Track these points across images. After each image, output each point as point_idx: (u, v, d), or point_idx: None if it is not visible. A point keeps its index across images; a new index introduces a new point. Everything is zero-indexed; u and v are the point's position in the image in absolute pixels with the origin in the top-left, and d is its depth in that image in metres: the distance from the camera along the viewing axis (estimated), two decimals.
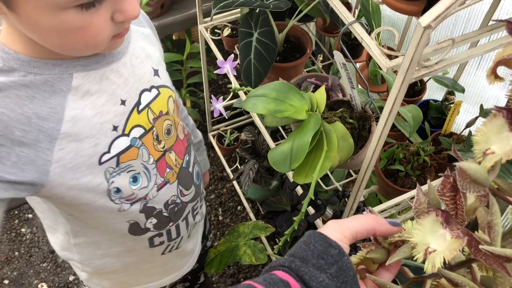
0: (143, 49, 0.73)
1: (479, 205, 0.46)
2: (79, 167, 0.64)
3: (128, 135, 0.68)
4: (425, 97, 1.25)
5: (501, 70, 0.49)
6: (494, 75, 0.48)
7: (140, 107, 0.70)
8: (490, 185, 0.44)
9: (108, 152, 0.66)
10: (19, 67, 0.58)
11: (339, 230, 0.52)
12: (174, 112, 0.79)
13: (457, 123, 1.33)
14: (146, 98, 0.71)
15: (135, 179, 0.72)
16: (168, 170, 0.78)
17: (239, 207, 1.87)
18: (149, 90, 0.72)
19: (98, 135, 0.64)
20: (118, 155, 0.68)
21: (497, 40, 0.63)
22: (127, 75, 0.68)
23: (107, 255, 0.84)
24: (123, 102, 0.67)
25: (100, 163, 0.66)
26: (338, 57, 0.76)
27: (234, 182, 1.86)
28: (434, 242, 0.47)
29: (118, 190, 0.70)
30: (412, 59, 0.55)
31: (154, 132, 0.73)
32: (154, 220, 0.80)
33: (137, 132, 0.70)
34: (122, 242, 0.82)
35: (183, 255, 0.97)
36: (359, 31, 0.64)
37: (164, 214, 0.81)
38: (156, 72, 0.74)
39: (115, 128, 0.66)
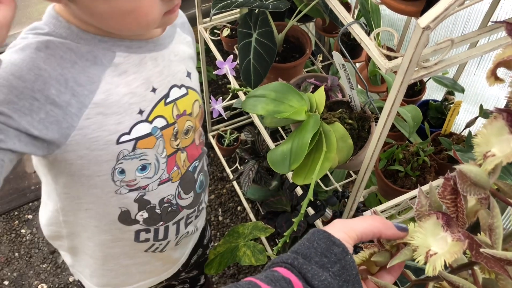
0: (183, 51, 0.77)
1: (480, 207, 0.46)
2: (98, 140, 0.66)
3: (151, 122, 0.71)
4: (425, 97, 1.25)
5: (501, 71, 0.49)
6: (494, 76, 0.48)
7: (168, 100, 0.73)
8: (491, 187, 0.44)
9: (128, 134, 0.69)
10: (68, 35, 0.62)
11: (344, 230, 0.52)
12: (197, 117, 0.81)
13: (457, 123, 1.33)
14: (175, 93, 0.74)
15: (143, 168, 0.74)
16: (175, 168, 0.79)
17: (239, 208, 1.87)
18: (179, 87, 0.75)
19: (124, 114, 0.67)
20: (136, 139, 0.70)
21: (497, 40, 0.62)
22: (162, 67, 0.71)
23: (91, 239, 0.84)
24: (153, 90, 0.70)
25: (118, 143, 0.68)
26: (337, 58, 0.76)
27: (234, 183, 1.86)
28: (435, 245, 0.46)
29: (122, 172, 0.72)
30: (411, 60, 0.55)
31: (175, 128, 0.75)
32: (145, 214, 0.80)
33: (160, 122, 0.72)
34: (109, 230, 0.81)
35: (166, 261, 0.96)
36: (358, 32, 0.64)
37: (157, 210, 0.81)
38: (189, 74, 0.78)
39: (140, 112, 0.69)
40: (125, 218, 0.79)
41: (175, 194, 0.82)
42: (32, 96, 0.59)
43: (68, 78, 0.61)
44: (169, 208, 0.83)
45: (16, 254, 1.74)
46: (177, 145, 0.78)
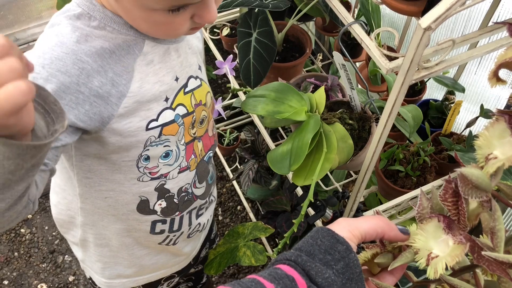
0: (195, 45, 0.81)
1: (482, 210, 0.45)
2: (130, 127, 0.69)
3: (174, 109, 0.74)
4: (425, 96, 1.24)
5: (503, 72, 0.49)
6: (496, 78, 0.47)
7: (186, 90, 0.76)
8: (492, 190, 0.43)
9: (156, 120, 0.71)
10: (102, 18, 0.64)
11: (348, 229, 0.52)
12: (210, 107, 0.85)
13: (458, 123, 1.32)
14: (192, 84, 0.77)
15: (166, 155, 0.76)
16: (193, 156, 0.82)
17: (238, 207, 1.87)
18: (195, 78, 0.78)
19: (153, 101, 0.70)
20: (162, 125, 0.72)
21: (498, 41, 0.62)
22: (182, 58, 0.75)
23: (106, 228, 0.86)
24: (176, 79, 0.74)
25: (147, 129, 0.71)
26: (337, 57, 0.75)
27: (234, 182, 1.85)
28: (437, 248, 0.46)
29: (147, 158, 0.74)
30: (412, 60, 0.55)
31: (194, 117, 0.78)
32: (164, 204, 0.82)
33: (181, 110, 0.75)
34: (126, 219, 0.83)
35: (178, 254, 0.97)
36: (358, 32, 0.63)
37: (175, 200, 0.83)
38: (200, 67, 0.82)
39: (166, 99, 0.72)
40: (144, 207, 0.81)
41: (191, 182, 0.85)
42: (78, 89, 0.61)
43: (107, 69, 0.64)
44: (186, 197, 0.85)
45: (16, 253, 1.74)
46: (194, 134, 0.80)
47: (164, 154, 0.76)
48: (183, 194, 0.84)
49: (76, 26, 0.63)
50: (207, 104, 0.82)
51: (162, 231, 0.87)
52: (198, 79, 0.80)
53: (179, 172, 0.80)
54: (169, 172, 0.79)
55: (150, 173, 0.77)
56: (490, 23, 0.93)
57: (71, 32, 0.62)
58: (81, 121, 0.62)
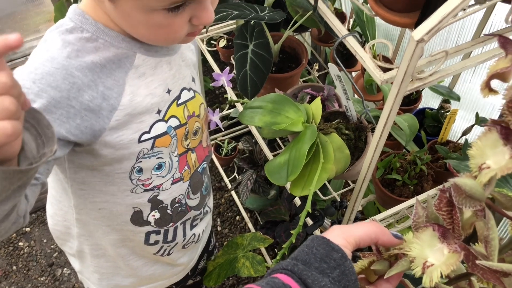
0: (189, 57, 0.83)
1: (476, 219, 0.46)
2: (123, 139, 0.69)
3: (166, 121, 0.74)
4: (421, 105, 1.25)
5: (495, 82, 0.50)
6: (488, 88, 0.48)
7: (179, 102, 0.77)
8: (487, 199, 0.44)
9: (148, 132, 0.72)
10: (94, 32, 0.65)
11: (342, 236, 0.53)
12: (203, 118, 0.85)
13: (454, 130, 1.33)
14: (185, 95, 0.78)
15: (159, 167, 0.77)
16: (186, 168, 0.83)
17: (237, 217, 1.87)
18: (188, 90, 0.79)
19: (145, 113, 0.71)
20: (155, 137, 0.73)
21: (490, 51, 0.63)
22: (175, 70, 0.76)
23: (102, 239, 0.87)
24: (168, 91, 0.74)
25: (139, 141, 0.71)
26: (333, 69, 0.76)
27: (232, 192, 1.85)
28: (432, 256, 0.47)
29: (140, 170, 0.75)
30: (406, 72, 0.56)
31: (186, 128, 0.79)
32: (157, 215, 0.83)
33: (173, 122, 0.76)
34: (120, 230, 0.84)
35: (175, 265, 0.98)
36: (353, 44, 0.64)
37: (168, 211, 0.84)
38: (193, 79, 0.83)
39: (158, 112, 0.73)
40: (137, 218, 0.82)
41: (185, 193, 0.85)
42: (68, 104, 0.61)
43: (98, 83, 0.65)
44: (179, 208, 0.86)
45: (14, 267, 1.73)
46: (187, 145, 0.81)
47: (157, 166, 0.76)
48: (177, 205, 0.85)
49: (67, 41, 0.64)
50: (200, 116, 0.83)
51: (156, 242, 0.88)
52: (192, 90, 0.80)
53: (172, 184, 0.81)
54: (162, 183, 0.79)
55: (143, 184, 0.77)
56: (482, 34, 0.95)
57: (62, 48, 0.63)
58: (72, 134, 0.63)
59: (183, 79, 0.78)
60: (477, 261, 0.42)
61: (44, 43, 0.65)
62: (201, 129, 0.84)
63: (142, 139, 0.71)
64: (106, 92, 0.65)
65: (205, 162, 0.89)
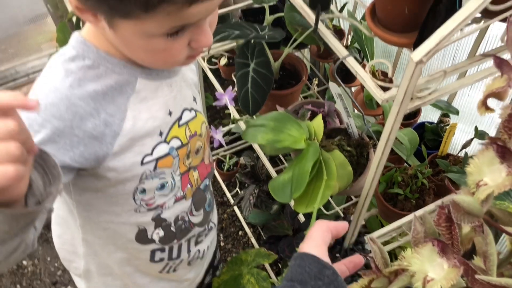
0: (190, 78, 0.84)
1: (475, 234, 0.47)
2: (125, 162, 0.71)
3: (168, 143, 0.76)
4: (420, 119, 1.27)
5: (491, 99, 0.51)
6: (484, 106, 0.50)
7: (181, 122, 0.78)
8: (485, 215, 0.45)
9: (151, 154, 0.73)
10: (96, 58, 0.67)
11: (315, 244, 0.57)
12: (205, 137, 0.87)
13: (454, 143, 1.35)
14: (187, 116, 0.80)
15: (162, 186, 0.78)
16: (188, 186, 0.84)
17: (240, 232, 1.87)
18: (190, 110, 0.81)
19: (147, 137, 0.72)
20: (157, 159, 0.74)
21: (487, 69, 0.65)
22: (176, 92, 0.77)
23: (108, 258, 0.88)
24: (170, 113, 0.76)
25: (142, 164, 0.73)
26: (333, 88, 0.78)
27: (235, 207, 1.86)
28: (432, 271, 0.48)
29: (143, 191, 0.76)
30: (406, 91, 0.57)
31: (188, 148, 0.80)
32: (161, 232, 0.84)
33: (175, 143, 0.77)
34: (125, 249, 0.85)
35: (180, 280, 0.98)
36: (352, 64, 0.66)
37: (172, 228, 0.85)
38: (194, 99, 0.84)
39: (160, 134, 0.74)
40: (142, 237, 0.83)
41: (187, 211, 0.86)
42: (72, 133, 0.63)
43: (100, 110, 0.66)
44: (183, 226, 0.87)
45: (18, 286, 1.74)
46: (189, 164, 0.82)
47: (159, 186, 0.78)
48: (180, 222, 0.86)
49: (70, 70, 0.65)
50: (202, 134, 0.85)
51: (161, 259, 0.89)
52: (193, 110, 0.82)
53: (174, 202, 0.82)
54: (165, 202, 0.81)
55: (146, 204, 0.79)
56: (479, 50, 0.97)
57: (64, 77, 0.64)
58: (76, 162, 0.64)
59: (184, 99, 0.80)
60: (476, 276, 0.43)
61: (47, 72, 0.66)
62: (203, 147, 0.86)
63: (144, 161, 0.73)
64: (109, 119, 0.67)
65: (207, 179, 0.90)
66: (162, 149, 0.75)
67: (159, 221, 0.83)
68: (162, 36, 0.60)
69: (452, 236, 0.47)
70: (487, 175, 0.44)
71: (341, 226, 0.61)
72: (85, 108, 0.64)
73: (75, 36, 0.69)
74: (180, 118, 0.78)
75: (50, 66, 0.67)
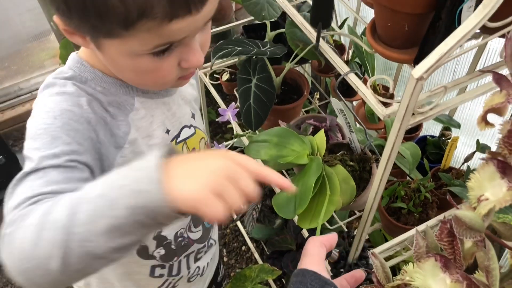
0: (189, 93, 0.83)
1: (477, 249, 0.48)
2: None
3: None
4: (422, 132, 1.27)
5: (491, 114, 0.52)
6: (484, 122, 0.50)
7: (178, 140, 0.79)
8: (487, 230, 0.46)
9: None
10: (92, 78, 0.67)
11: (314, 261, 0.57)
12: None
13: (456, 156, 1.35)
14: (185, 133, 0.80)
15: None
16: None
17: (243, 247, 1.87)
18: (189, 127, 0.81)
19: (145, 154, 0.70)
20: None
21: (487, 84, 0.65)
22: (174, 110, 0.77)
23: (109, 273, 0.87)
24: (167, 131, 0.76)
25: None
26: (335, 103, 0.79)
27: (238, 222, 1.86)
28: (435, 286, 0.48)
29: None
30: (407, 107, 0.58)
31: None
32: (162, 251, 0.84)
33: None
34: (126, 263, 0.84)
35: None
36: (354, 80, 0.67)
37: (172, 246, 0.85)
38: (193, 115, 0.84)
39: None
40: (143, 253, 0.83)
41: (186, 227, 0.86)
42: (89, 136, 0.63)
43: (107, 121, 0.66)
44: (182, 242, 0.86)
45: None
46: None
47: None
48: (180, 239, 0.86)
49: (67, 91, 0.65)
50: (200, 151, 0.85)
51: (161, 275, 0.89)
52: (192, 127, 0.82)
53: None
54: None
55: None
56: (479, 64, 0.98)
57: (62, 100, 0.64)
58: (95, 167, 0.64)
59: (183, 117, 0.80)
60: None
61: (48, 89, 0.66)
62: None
63: None
64: (114, 130, 0.67)
65: None
66: None
67: (160, 240, 0.82)
68: (148, 56, 0.58)
69: (455, 251, 0.48)
70: (488, 190, 0.45)
71: (332, 238, 0.62)
72: (94, 119, 0.64)
73: (73, 56, 0.69)
74: (178, 135, 0.78)
75: (48, 83, 0.66)
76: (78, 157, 0.59)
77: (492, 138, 1.22)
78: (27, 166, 0.57)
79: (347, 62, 1.34)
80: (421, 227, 0.93)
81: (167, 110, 0.76)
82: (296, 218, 0.93)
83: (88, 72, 0.67)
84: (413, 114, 0.62)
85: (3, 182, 1.84)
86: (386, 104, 0.65)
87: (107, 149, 0.66)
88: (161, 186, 0.46)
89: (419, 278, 0.49)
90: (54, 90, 0.65)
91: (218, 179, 0.47)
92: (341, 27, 1.30)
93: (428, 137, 1.25)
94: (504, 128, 0.45)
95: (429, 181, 1.07)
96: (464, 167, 1.12)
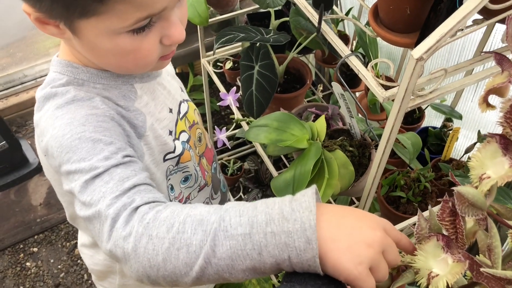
0: (170, 69, 0.84)
1: (478, 228, 0.47)
2: (154, 158, 0.72)
3: (178, 139, 0.77)
4: (424, 124, 1.27)
5: (493, 98, 0.52)
6: (486, 103, 0.50)
7: (181, 115, 0.80)
8: (489, 209, 0.45)
9: (173, 152, 0.75)
10: (89, 78, 0.65)
11: None
12: (200, 123, 0.88)
13: (457, 149, 1.35)
14: (183, 108, 0.81)
15: (186, 179, 0.80)
16: (206, 173, 0.87)
17: None
18: (184, 101, 0.82)
19: (161, 137, 0.72)
20: (179, 156, 0.76)
21: (490, 69, 0.65)
22: (168, 88, 0.77)
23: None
24: (170, 110, 0.76)
25: (164, 160, 0.74)
26: (336, 88, 0.78)
27: None
28: (437, 267, 0.48)
29: (172, 188, 0.78)
30: (407, 89, 0.58)
31: (193, 138, 0.82)
32: None
33: (184, 136, 0.79)
34: None
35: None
36: (355, 63, 0.67)
37: None
38: (182, 89, 0.85)
39: (170, 133, 0.75)
40: None
41: (209, 196, 0.90)
42: (120, 132, 0.63)
43: (124, 115, 0.66)
44: None
45: (21, 287, 1.74)
46: (198, 153, 0.84)
47: (183, 179, 0.79)
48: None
49: (69, 98, 0.62)
50: (198, 122, 0.87)
51: None
52: (186, 101, 0.83)
53: (199, 191, 0.85)
54: (191, 193, 0.83)
55: (178, 201, 0.80)
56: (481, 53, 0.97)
57: (74, 91, 0.63)
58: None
59: (176, 92, 0.81)
60: (481, 269, 0.43)
61: (53, 100, 0.63)
62: (203, 133, 0.88)
63: (167, 158, 0.74)
64: (133, 122, 0.67)
65: (214, 162, 0.93)
66: (178, 146, 0.76)
67: None
68: (127, 34, 0.56)
69: (457, 230, 0.47)
70: (490, 168, 0.44)
71: None
72: (116, 116, 0.64)
73: (57, 60, 0.66)
74: (179, 111, 0.79)
75: (46, 94, 0.63)
76: (126, 152, 0.59)
77: (494, 131, 1.22)
78: (78, 180, 0.55)
79: None
80: (426, 213, 0.92)
81: (163, 89, 0.76)
82: None
83: (82, 73, 0.64)
84: (413, 97, 0.62)
85: (6, 168, 1.85)
86: (386, 88, 0.65)
87: (134, 140, 0.66)
88: (318, 251, 0.44)
89: (420, 259, 0.49)
90: (61, 101, 0.62)
91: (375, 256, 0.47)
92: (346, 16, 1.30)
93: (429, 128, 1.24)
94: (505, 105, 0.45)
95: (429, 171, 1.07)
96: (465, 159, 1.11)
